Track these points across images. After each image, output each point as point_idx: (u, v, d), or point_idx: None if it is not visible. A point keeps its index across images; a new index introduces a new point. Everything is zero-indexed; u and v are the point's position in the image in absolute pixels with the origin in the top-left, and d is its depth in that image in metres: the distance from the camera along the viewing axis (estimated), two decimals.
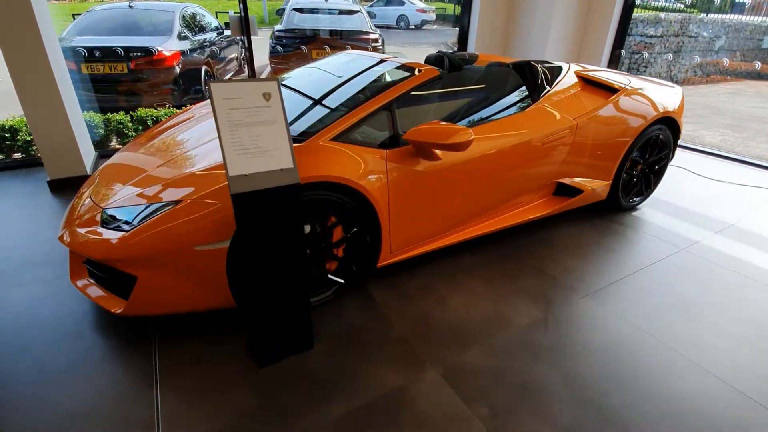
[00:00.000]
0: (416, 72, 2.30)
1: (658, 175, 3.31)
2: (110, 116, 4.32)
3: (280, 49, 6.62)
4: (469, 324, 2.06)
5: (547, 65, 2.96)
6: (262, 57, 9.92)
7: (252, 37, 4.45)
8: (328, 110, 2.23)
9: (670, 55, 10.51)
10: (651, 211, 3.30)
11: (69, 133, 3.32)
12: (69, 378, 1.71)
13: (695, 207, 3.37)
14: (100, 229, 1.83)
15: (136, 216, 1.80)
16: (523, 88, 2.67)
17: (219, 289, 1.85)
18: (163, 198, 1.79)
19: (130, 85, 5.09)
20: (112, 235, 1.76)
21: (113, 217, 1.86)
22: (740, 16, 10.71)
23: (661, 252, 2.74)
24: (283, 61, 6.70)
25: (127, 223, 1.80)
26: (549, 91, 2.75)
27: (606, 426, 1.57)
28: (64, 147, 3.34)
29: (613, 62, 5.57)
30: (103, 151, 4.23)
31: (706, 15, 10.78)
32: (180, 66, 5.28)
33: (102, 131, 4.30)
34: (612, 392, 1.71)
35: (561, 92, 2.78)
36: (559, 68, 3.01)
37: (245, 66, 8.97)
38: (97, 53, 4.78)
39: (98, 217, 1.89)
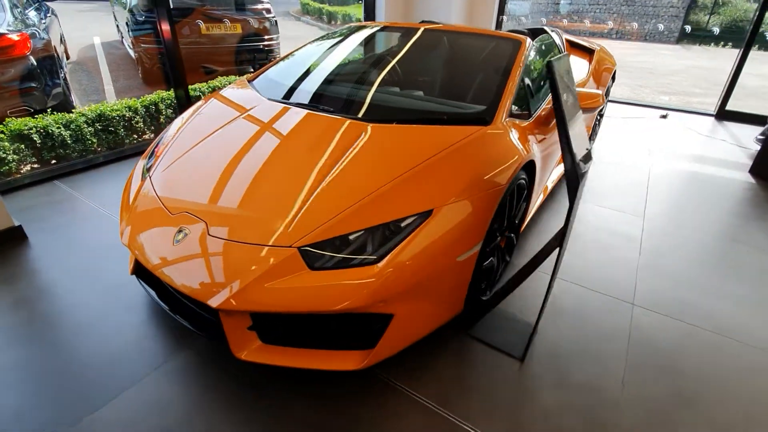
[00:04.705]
0: (513, 41, 2.32)
1: (602, 117, 4.14)
2: None
3: (147, 26, 5.25)
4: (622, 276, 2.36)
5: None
6: (84, 33, 7.78)
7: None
8: (468, 86, 2.08)
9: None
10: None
11: None
12: None
13: (614, 139, 4.35)
14: (323, 272, 1.37)
15: (365, 244, 1.42)
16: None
17: (456, 299, 1.65)
18: (410, 212, 1.45)
19: None
20: (359, 275, 1.35)
21: (312, 255, 1.42)
22: None
23: (642, 173, 3.52)
24: (153, 41, 5.36)
25: (353, 254, 1.41)
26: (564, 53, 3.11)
27: None
28: None
29: (498, 27, 6.38)
30: None
31: None
32: (32, 54, 3.74)
33: None
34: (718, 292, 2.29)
35: (570, 53, 3.18)
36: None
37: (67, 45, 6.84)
38: None
39: (296, 260, 1.40)
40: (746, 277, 2.29)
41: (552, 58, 1.21)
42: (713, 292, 2.16)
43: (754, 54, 4.82)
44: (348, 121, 1.89)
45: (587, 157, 1.42)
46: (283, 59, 2.62)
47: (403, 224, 1.44)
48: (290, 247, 1.42)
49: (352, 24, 2.92)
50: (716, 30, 12.37)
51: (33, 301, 1.96)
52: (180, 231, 1.57)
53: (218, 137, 1.96)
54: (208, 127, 2.04)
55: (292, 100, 2.16)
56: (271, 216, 1.52)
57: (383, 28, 2.73)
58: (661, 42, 14.57)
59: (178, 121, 2.19)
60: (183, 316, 1.62)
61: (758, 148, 3.92)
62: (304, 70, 2.44)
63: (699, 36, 13.67)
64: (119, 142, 3.70)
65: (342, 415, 1.48)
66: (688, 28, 13.26)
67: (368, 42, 2.62)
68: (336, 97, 2.17)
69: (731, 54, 11.73)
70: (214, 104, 2.25)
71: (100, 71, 6.18)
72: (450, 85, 2.13)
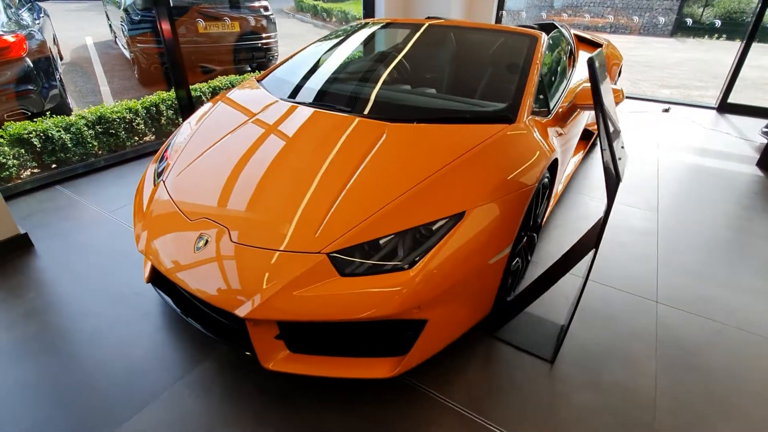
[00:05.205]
0: (529, 37, 2.27)
1: None
2: None
3: (143, 25, 5.14)
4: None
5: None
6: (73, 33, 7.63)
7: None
8: (483, 84, 2.04)
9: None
10: None
11: None
12: None
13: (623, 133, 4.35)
14: (354, 278, 1.33)
15: (395, 248, 1.38)
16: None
17: (486, 301, 1.62)
18: (441, 215, 1.41)
19: None
20: (392, 280, 1.31)
21: (341, 261, 1.37)
22: None
23: (652, 167, 3.51)
24: (149, 41, 5.26)
25: (385, 258, 1.36)
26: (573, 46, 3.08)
27: None
28: None
29: (498, 22, 6.34)
30: None
31: None
32: (29, 56, 3.65)
33: None
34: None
35: (581, 48, 3.15)
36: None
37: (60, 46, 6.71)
38: None
39: (325, 266, 1.36)
40: (764, 271, 2.28)
41: (592, 55, 1.17)
42: (734, 287, 2.15)
43: (753, 45, 4.80)
44: (369, 121, 1.84)
45: (623, 153, 1.39)
46: (291, 58, 2.56)
47: (434, 227, 1.40)
48: (319, 253, 1.38)
49: (361, 21, 2.87)
50: (717, 23, 12.41)
51: (44, 312, 1.90)
52: (200, 237, 1.52)
53: (234, 139, 1.90)
54: (221, 129, 1.98)
55: (307, 99, 2.11)
56: (296, 221, 1.48)
57: (394, 25, 2.68)
58: (656, 35, 14.61)
59: (187, 124, 2.13)
60: (203, 324, 1.57)
61: (764, 140, 3.92)
62: (316, 68, 2.39)
63: (693, 28, 13.72)
64: (120, 145, 3.62)
65: (376, 424, 1.44)
66: (689, 20, 13.30)
67: (379, 39, 2.57)
68: (353, 96, 2.12)
69: (726, 46, 11.77)
70: (226, 105, 2.19)
71: (95, 72, 6.07)
72: (468, 83, 2.09)
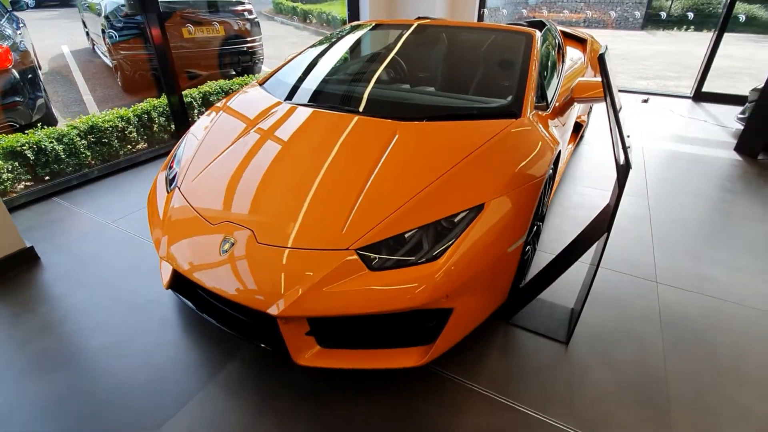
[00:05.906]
0: (526, 34, 2.36)
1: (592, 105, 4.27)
2: None
3: (126, 32, 5.06)
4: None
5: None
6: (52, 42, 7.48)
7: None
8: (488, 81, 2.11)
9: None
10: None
11: None
12: None
13: (605, 126, 4.50)
14: (383, 272, 1.38)
15: (420, 242, 1.44)
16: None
17: (504, 289, 1.69)
18: (462, 207, 1.47)
19: None
20: (420, 272, 1.37)
21: (371, 256, 1.43)
22: None
23: (638, 156, 3.66)
24: (134, 48, 5.18)
25: (413, 251, 1.42)
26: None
27: None
28: None
29: (480, 20, 6.47)
30: None
31: None
32: (14, 67, 3.57)
33: None
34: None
35: (567, 44, 3.26)
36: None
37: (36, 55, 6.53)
38: None
39: (355, 262, 1.41)
40: (753, 249, 2.42)
41: (602, 51, 1.26)
42: (725, 265, 2.28)
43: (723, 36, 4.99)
44: (381, 120, 1.89)
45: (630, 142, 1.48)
46: (290, 61, 2.59)
47: (456, 219, 1.47)
48: (347, 249, 1.42)
49: (356, 23, 2.91)
50: (690, 15, 12.85)
51: (60, 325, 1.89)
52: (225, 240, 1.55)
53: (247, 142, 1.93)
54: (232, 133, 2.01)
55: (315, 101, 2.14)
56: (320, 220, 1.52)
57: (390, 27, 2.73)
58: (627, 29, 15.06)
59: (195, 131, 2.14)
60: (226, 325, 1.59)
61: (740, 127, 4.13)
62: (322, 70, 2.42)
63: (663, 21, 14.20)
64: (114, 154, 3.58)
65: (408, 413, 1.49)
66: (663, 14, 13.77)
67: (377, 41, 2.62)
68: (361, 97, 2.17)
69: (694, 37, 12.20)
70: (234, 109, 2.21)
71: (76, 81, 5.93)
72: (471, 81, 2.16)
